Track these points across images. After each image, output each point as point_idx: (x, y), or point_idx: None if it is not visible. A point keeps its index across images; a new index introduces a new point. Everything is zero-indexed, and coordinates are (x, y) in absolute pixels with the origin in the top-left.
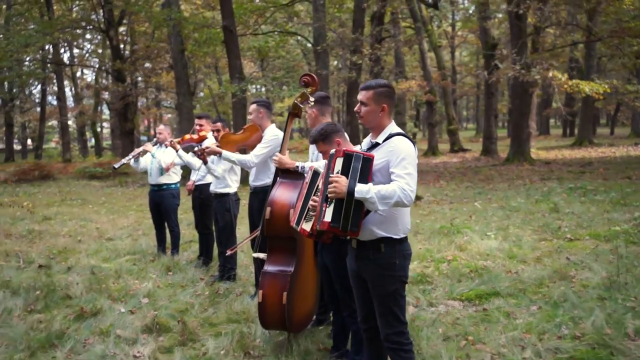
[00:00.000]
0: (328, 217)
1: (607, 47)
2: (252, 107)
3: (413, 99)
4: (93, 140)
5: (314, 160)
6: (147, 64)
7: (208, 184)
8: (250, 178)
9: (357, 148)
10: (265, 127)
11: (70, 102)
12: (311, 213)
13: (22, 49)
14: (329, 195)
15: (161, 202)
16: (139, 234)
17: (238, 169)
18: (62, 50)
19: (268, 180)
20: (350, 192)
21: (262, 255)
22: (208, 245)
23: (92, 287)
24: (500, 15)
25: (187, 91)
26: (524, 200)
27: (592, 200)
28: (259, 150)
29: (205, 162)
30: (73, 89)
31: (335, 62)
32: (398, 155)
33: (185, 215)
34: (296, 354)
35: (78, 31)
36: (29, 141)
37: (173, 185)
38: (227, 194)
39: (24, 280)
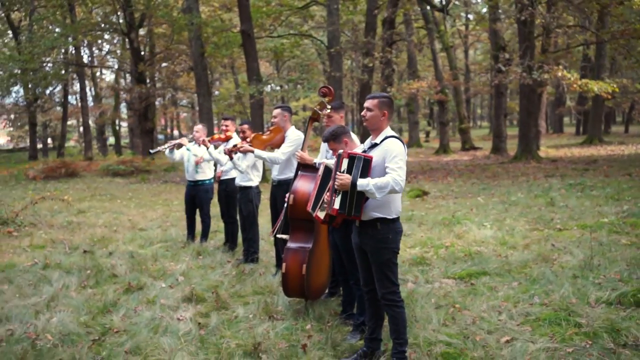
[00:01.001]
0: (336, 205)
1: (615, 48)
2: (277, 111)
3: (426, 98)
4: (112, 139)
5: (327, 158)
6: (165, 64)
7: (233, 179)
8: (274, 172)
9: (360, 148)
10: (287, 128)
11: (89, 101)
12: (324, 205)
13: (48, 52)
14: (336, 187)
15: (196, 195)
16: (167, 225)
17: (260, 165)
18: (82, 51)
19: (291, 174)
20: (353, 185)
21: (285, 236)
22: (233, 233)
23: (134, 267)
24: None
25: (206, 92)
26: (524, 195)
27: (587, 196)
28: (285, 148)
29: (231, 158)
30: (93, 89)
31: (350, 62)
32: (391, 153)
33: (212, 208)
34: (312, 317)
35: (99, 33)
36: (49, 140)
37: (207, 181)
38: (250, 187)
39: (73, 263)
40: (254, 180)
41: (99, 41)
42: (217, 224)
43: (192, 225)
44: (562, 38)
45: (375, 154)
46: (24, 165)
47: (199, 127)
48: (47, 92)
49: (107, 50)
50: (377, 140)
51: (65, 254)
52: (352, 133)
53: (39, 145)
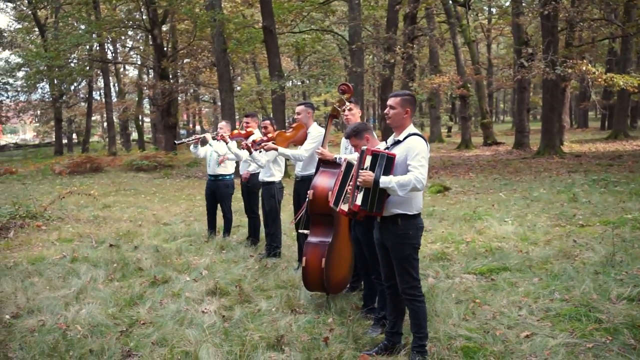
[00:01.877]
0: (359, 201)
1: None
2: (301, 108)
3: (448, 93)
4: (135, 134)
5: (346, 153)
6: (187, 60)
7: (254, 174)
8: (297, 169)
9: (381, 144)
10: (309, 125)
11: (113, 97)
12: (348, 196)
13: (73, 48)
14: (359, 184)
15: (217, 190)
16: (191, 220)
17: (281, 161)
18: (106, 48)
19: (313, 170)
20: (376, 182)
21: (306, 231)
22: (255, 228)
23: (159, 261)
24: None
25: (229, 88)
26: (546, 191)
27: (611, 191)
28: (308, 145)
29: (250, 152)
30: (116, 84)
31: (371, 57)
32: (414, 151)
33: (234, 203)
34: (333, 311)
35: (123, 30)
36: (74, 135)
37: (228, 176)
38: (273, 182)
39: (100, 256)
40: (276, 175)
41: (123, 37)
42: (240, 219)
43: (213, 220)
44: (587, 32)
45: (397, 151)
46: (50, 160)
47: (223, 124)
48: (72, 88)
49: (130, 46)
50: (400, 138)
51: (92, 248)
52: (373, 130)
53: (64, 141)
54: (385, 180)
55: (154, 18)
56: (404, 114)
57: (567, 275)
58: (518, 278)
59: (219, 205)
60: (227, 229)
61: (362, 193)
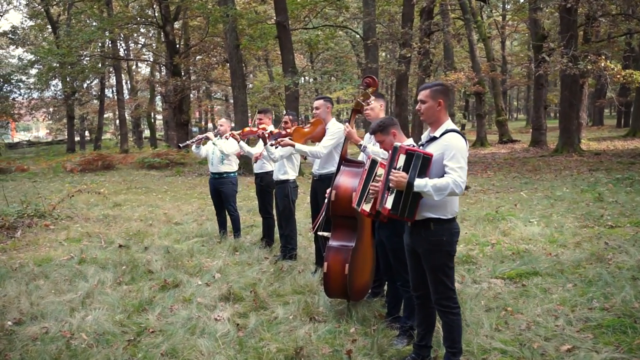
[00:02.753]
0: (389, 204)
1: None
2: (320, 102)
3: (462, 90)
4: (147, 132)
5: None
6: (199, 57)
7: (267, 172)
8: (315, 167)
9: (408, 141)
10: (328, 120)
11: (125, 94)
12: (370, 196)
13: (86, 45)
14: (391, 185)
15: (221, 189)
16: (203, 219)
17: (296, 159)
18: (118, 45)
19: (332, 168)
20: (410, 185)
21: (326, 234)
22: (269, 229)
23: (170, 264)
24: (548, 9)
25: (241, 85)
26: (570, 190)
27: (637, 191)
28: (327, 142)
29: (265, 143)
30: (129, 82)
31: (384, 54)
32: (452, 150)
33: (245, 202)
34: (355, 319)
35: (135, 26)
36: (87, 132)
37: (232, 174)
38: (287, 181)
39: (109, 257)
40: (290, 173)
41: (135, 35)
42: (254, 218)
43: (223, 220)
44: (604, 27)
45: (433, 150)
46: (62, 158)
47: (223, 121)
48: (85, 85)
49: (143, 43)
50: (437, 134)
51: (100, 249)
52: (399, 126)
53: (77, 138)
54: (420, 183)
55: (166, 14)
56: (436, 106)
57: (603, 281)
58: (550, 284)
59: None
60: (237, 229)
61: (393, 195)
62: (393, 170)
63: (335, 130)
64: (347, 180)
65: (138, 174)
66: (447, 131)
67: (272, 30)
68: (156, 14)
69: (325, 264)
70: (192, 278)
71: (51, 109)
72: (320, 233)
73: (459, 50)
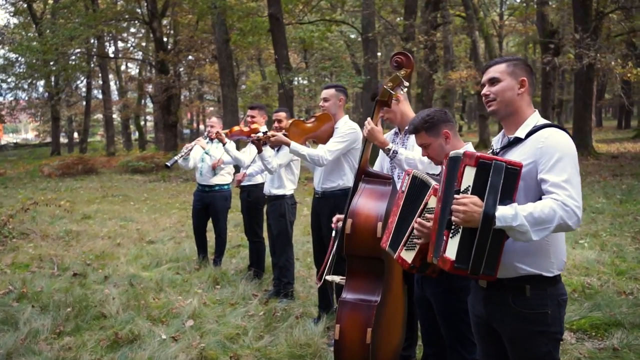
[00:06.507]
0: (451, 253)
1: None
2: (330, 92)
3: (459, 90)
4: (137, 134)
5: (384, 164)
6: (190, 57)
7: (256, 185)
8: (316, 179)
9: (468, 146)
10: (338, 117)
11: (115, 95)
12: (415, 240)
13: (67, 42)
14: (454, 221)
15: (211, 204)
16: (182, 236)
17: (296, 167)
18: (107, 44)
19: (341, 182)
20: (489, 218)
21: (337, 279)
22: (259, 255)
23: (130, 303)
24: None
25: (231, 82)
26: (605, 200)
27: None
28: (334, 145)
29: (259, 150)
30: (118, 82)
31: (379, 54)
32: (552, 155)
33: (232, 215)
34: None
35: (124, 25)
36: (76, 134)
37: (226, 186)
38: (283, 197)
39: (56, 292)
40: (288, 187)
41: (124, 34)
42: (241, 236)
43: (203, 241)
44: (610, 25)
45: (518, 158)
46: (42, 161)
47: (214, 121)
48: (74, 85)
49: (131, 42)
50: (521, 134)
51: (50, 277)
52: (455, 125)
53: (65, 140)
54: (506, 214)
55: (153, 10)
56: (517, 88)
57: None
58: None
59: (209, 222)
60: (220, 252)
61: (458, 237)
62: (456, 195)
63: (347, 130)
64: (369, 204)
65: (120, 179)
66: (538, 128)
67: (265, 24)
68: (143, 11)
69: (338, 327)
70: (156, 327)
71: (33, 110)
72: (329, 278)
73: (457, 49)
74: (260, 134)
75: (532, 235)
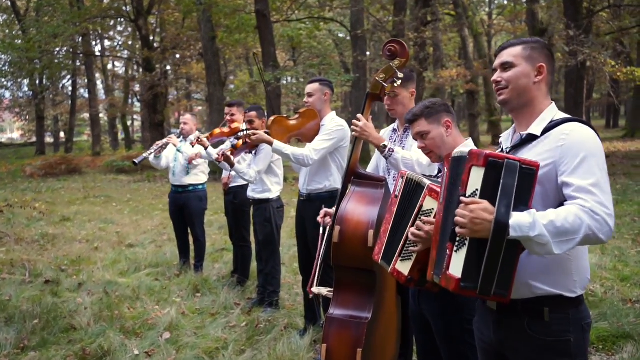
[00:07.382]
0: (457, 270)
1: None
2: (314, 86)
3: (448, 89)
4: (124, 133)
5: (380, 164)
6: (177, 55)
7: (242, 186)
8: (301, 180)
9: (468, 143)
10: (324, 114)
11: (101, 94)
12: (411, 248)
13: (51, 40)
14: (458, 231)
15: (186, 206)
16: (163, 240)
17: (279, 168)
18: (93, 43)
19: (327, 183)
20: (501, 227)
21: (325, 291)
22: (244, 260)
23: (102, 314)
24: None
25: (218, 81)
26: None
27: None
28: (320, 143)
29: (231, 165)
30: (104, 81)
31: (368, 52)
32: (576, 154)
33: (216, 217)
34: None
35: (110, 23)
36: (62, 134)
37: (200, 186)
38: (267, 200)
39: (25, 301)
40: (273, 190)
41: (111, 33)
42: (225, 239)
43: (185, 245)
44: (599, 24)
45: (535, 157)
46: (25, 161)
47: (187, 117)
48: (59, 84)
49: (118, 41)
50: (535, 130)
51: (21, 285)
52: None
53: (51, 140)
54: (522, 222)
55: (138, 8)
56: (534, 74)
57: None
58: None
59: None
60: (200, 257)
61: (464, 251)
62: (463, 198)
63: (334, 127)
64: (359, 210)
65: (104, 180)
66: (557, 123)
67: (252, 21)
68: (128, 9)
69: (324, 346)
70: (129, 340)
71: (17, 109)
72: (315, 290)
73: (445, 48)
74: (241, 134)
75: (554, 248)
